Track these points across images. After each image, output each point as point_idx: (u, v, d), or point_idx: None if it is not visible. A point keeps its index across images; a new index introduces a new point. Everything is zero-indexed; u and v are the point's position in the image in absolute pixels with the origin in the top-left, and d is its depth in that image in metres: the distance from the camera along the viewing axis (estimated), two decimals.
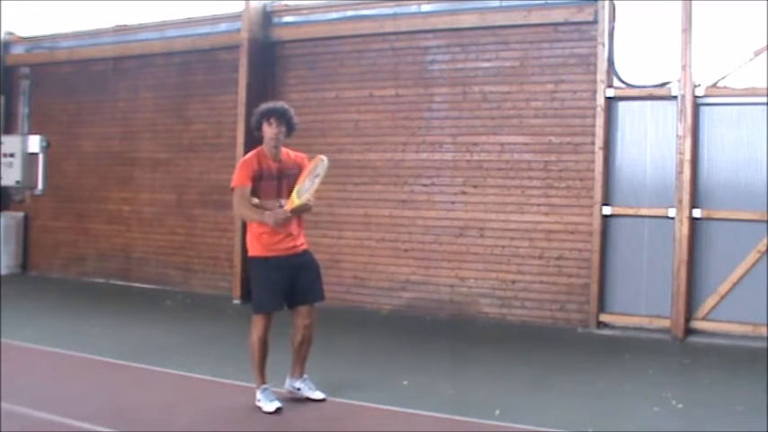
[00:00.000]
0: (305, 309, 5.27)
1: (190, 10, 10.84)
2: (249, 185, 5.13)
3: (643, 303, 8.12)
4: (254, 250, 5.25)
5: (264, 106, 5.32)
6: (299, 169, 5.23)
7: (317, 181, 5.05)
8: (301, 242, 5.29)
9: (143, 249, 11.14)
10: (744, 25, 7.66)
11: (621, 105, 8.26)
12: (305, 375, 5.39)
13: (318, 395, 5.32)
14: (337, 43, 9.80)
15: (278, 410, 5.13)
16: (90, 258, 11.62)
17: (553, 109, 8.59)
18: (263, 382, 5.26)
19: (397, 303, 9.23)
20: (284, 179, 5.18)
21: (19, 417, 4.84)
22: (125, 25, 11.34)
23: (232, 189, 5.21)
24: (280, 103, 5.36)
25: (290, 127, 5.24)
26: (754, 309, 7.55)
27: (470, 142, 8.97)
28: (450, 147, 9.08)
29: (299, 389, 5.38)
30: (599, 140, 8.20)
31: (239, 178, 5.16)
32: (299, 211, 5.14)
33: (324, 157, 5.14)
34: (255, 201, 5.14)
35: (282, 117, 5.20)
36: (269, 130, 5.19)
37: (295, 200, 5.02)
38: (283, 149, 5.30)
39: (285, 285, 5.20)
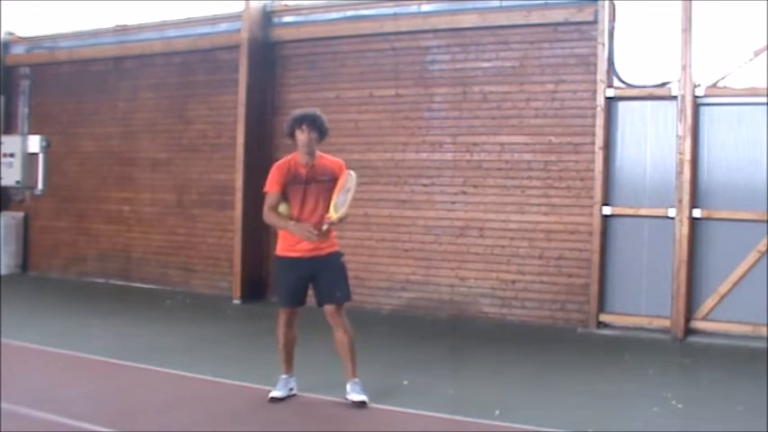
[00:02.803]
0: (329, 309, 5.32)
1: (190, 10, 10.86)
2: (277, 190, 5.27)
3: (643, 303, 8.11)
4: (278, 249, 5.43)
5: (297, 113, 5.38)
6: (331, 175, 5.31)
7: (350, 195, 5.16)
8: (326, 244, 5.32)
9: (143, 249, 11.14)
10: (744, 25, 7.66)
11: (621, 105, 8.25)
12: (353, 378, 5.34)
13: (356, 397, 5.26)
14: (337, 43, 9.80)
15: (272, 399, 5.32)
16: (90, 258, 11.61)
17: (553, 109, 8.59)
18: (283, 372, 5.44)
19: (397, 303, 9.23)
20: (312, 184, 5.25)
21: (19, 417, 4.83)
22: (125, 25, 11.33)
23: (265, 193, 5.36)
24: (311, 110, 5.41)
25: (321, 132, 5.33)
26: (754, 309, 7.55)
27: (470, 142, 8.97)
28: (450, 147, 9.09)
29: (346, 391, 5.36)
30: (599, 140, 8.20)
31: (269, 184, 5.33)
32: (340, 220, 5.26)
33: (352, 172, 5.27)
34: (283, 205, 5.26)
35: (314, 123, 5.28)
36: (301, 137, 5.27)
37: (333, 214, 5.14)
38: (320, 155, 5.38)
39: (303, 285, 5.33)
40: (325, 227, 5.14)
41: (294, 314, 5.39)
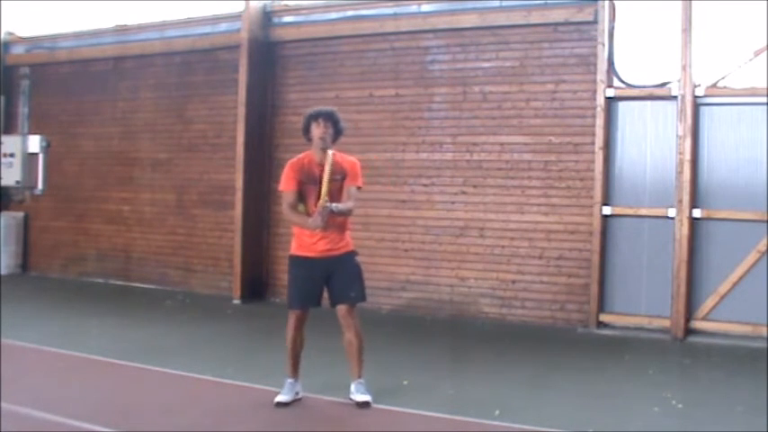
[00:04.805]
0: (341, 309, 5.33)
1: (190, 10, 10.86)
2: (294, 189, 5.25)
3: (643, 303, 8.12)
4: (293, 249, 5.40)
5: (312, 109, 5.37)
6: (342, 174, 5.30)
7: (326, 175, 5.12)
8: (342, 244, 5.34)
9: (143, 249, 11.14)
10: (744, 25, 7.66)
11: (621, 105, 8.26)
12: (359, 379, 5.34)
13: (360, 398, 5.27)
14: (337, 43, 9.80)
15: (278, 404, 5.23)
16: (90, 258, 11.61)
17: (553, 109, 8.59)
18: (289, 376, 5.36)
19: (397, 303, 9.23)
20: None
21: (19, 417, 4.83)
22: (125, 25, 11.34)
23: (281, 192, 5.36)
24: (327, 107, 5.44)
25: (337, 129, 5.32)
26: (754, 309, 7.56)
27: (470, 142, 8.97)
28: (450, 147, 9.09)
29: (350, 391, 5.36)
30: (599, 140, 8.20)
31: (284, 182, 5.31)
32: (340, 214, 5.22)
33: (329, 152, 5.20)
34: (300, 205, 5.25)
35: (329, 118, 5.28)
36: (317, 131, 5.25)
37: (322, 202, 5.10)
38: (335, 153, 5.33)
39: (317, 286, 5.31)
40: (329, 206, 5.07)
41: (304, 317, 5.32)
